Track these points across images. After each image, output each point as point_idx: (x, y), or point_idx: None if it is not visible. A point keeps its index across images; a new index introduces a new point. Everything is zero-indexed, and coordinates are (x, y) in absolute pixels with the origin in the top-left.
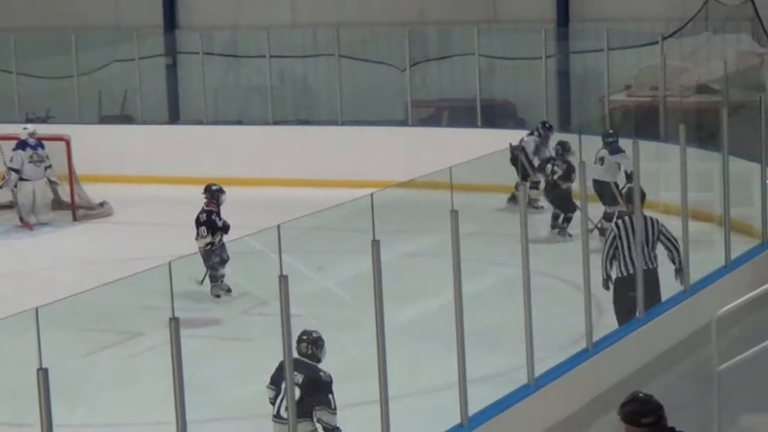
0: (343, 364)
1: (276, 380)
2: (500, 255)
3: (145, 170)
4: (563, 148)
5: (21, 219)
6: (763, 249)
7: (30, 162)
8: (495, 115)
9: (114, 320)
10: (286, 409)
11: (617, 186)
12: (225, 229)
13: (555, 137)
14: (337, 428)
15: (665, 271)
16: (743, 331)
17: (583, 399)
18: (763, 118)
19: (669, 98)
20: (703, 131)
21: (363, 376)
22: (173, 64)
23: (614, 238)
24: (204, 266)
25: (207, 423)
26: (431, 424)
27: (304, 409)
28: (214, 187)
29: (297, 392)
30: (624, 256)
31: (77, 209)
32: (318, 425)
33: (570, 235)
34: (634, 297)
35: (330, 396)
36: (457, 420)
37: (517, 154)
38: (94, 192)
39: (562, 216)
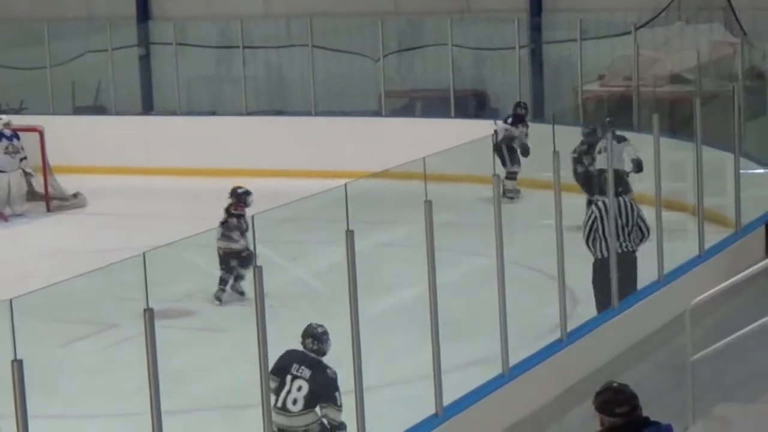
0: None
1: (279, 371)
2: (474, 245)
3: (118, 161)
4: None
5: None
6: (737, 239)
7: (5, 153)
8: (468, 105)
9: (89, 311)
10: (294, 402)
11: (627, 174)
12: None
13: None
14: (343, 423)
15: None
16: (717, 320)
17: (557, 389)
18: (735, 108)
19: (642, 88)
20: (676, 121)
21: (338, 366)
22: (146, 54)
23: (594, 219)
24: (241, 269)
25: (182, 414)
26: (406, 414)
27: (311, 404)
28: (240, 190)
29: (306, 387)
30: (603, 239)
31: (51, 200)
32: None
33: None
34: (609, 279)
35: (336, 393)
36: (432, 410)
37: (499, 144)
38: (67, 183)
39: None
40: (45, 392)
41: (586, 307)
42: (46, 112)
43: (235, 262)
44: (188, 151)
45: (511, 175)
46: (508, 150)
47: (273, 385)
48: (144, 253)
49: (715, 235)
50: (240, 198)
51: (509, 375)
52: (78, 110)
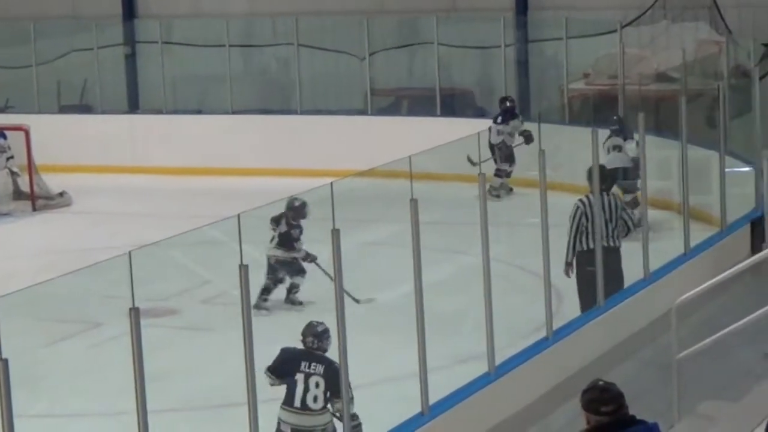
0: None
1: (281, 370)
2: (461, 243)
3: (104, 160)
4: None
5: None
6: (722, 237)
7: None
8: (454, 103)
9: (74, 310)
10: (315, 399)
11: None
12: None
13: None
14: (355, 414)
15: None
16: (702, 318)
17: (543, 387)
18: (721, 106)
19: (628, 86)
20: (661, 119)
21: None
22: (132, 53)
23: (581, 214)
24: (296, 279)
25: (168, 412)
26: (393, 412)
27: (327, 400)
28: (296, 203)
29: (322, 383)
30: (588, 233)
31: (36, 199)
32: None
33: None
34: (593, 272)
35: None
36: (419, 408)
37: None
38: (53, 182)
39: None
40: (31, 391)
41: (571, 306)
42: (31, 110)
43: (284, 272)
44: (174, 149)
45: (499, 173)
46: (498, 147)
47: (270, 383)
48: (130, 252)
49: (700, 233)
50: (298, 212)
51: (495, 373)
52: (64, 109)
